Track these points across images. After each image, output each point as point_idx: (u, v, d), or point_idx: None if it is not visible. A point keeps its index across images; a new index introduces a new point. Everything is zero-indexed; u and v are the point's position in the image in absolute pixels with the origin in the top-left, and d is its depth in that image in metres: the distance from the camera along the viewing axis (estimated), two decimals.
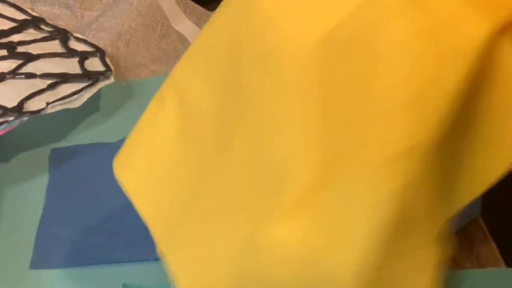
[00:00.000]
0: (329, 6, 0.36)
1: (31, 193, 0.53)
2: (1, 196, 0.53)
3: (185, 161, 0.41)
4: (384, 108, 0.34)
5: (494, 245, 0.49)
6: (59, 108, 0.56)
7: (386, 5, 0.34)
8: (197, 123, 0.41)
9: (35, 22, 0.68)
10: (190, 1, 0.74)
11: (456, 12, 0.34)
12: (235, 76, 0.38)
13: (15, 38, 0.65)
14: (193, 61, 0.42)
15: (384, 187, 0.34)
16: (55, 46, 0.64)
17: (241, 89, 0.38)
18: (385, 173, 0.34)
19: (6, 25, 0.67)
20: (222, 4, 0.41)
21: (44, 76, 0.59)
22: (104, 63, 0.62)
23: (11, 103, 0.55)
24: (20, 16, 0.68)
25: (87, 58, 0.63)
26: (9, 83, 0.58)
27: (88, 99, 0.58)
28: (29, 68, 0.60)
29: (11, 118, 0.54)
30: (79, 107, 0.57)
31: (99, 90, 0.60)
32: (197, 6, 0.75)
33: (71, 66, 0.61)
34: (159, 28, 0.70)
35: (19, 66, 0.60)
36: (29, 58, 0.61)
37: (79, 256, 0.47)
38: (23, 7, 0.70)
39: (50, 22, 0.69)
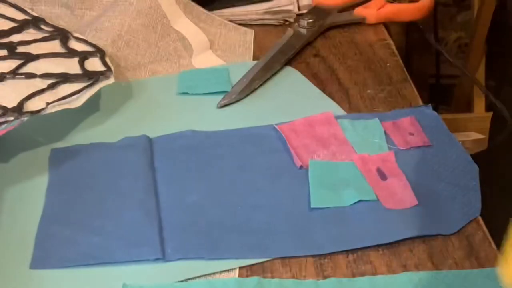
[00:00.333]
0: None
1: (31, 193, 0.53)
2: (1, 196, 0.53)
3: None
4: None
5: (494, 245, 0.49)
6: (59, 108, 0.56)
7: None
8: None
9: (35, 22, 0.68)
10: (190, 1, 0.75)
11: None
12: None
13: (15, 38, 0.65)
14: None
15: None
16: (55, 46, 0.64)
17: None
18: None
19: (6, 25, 0.67)
20: None
21: (44, 76, 0.59)
22: (104, 63, 0.62)
23: (11, 103, 0.55)
24: (20, 16, 0.68)
25: (87, 58, 0.63)
26: (9, 83, 0.58)
27: (88, 99, 0.58)
28: (29, 68, 0.60)
29: (11, 118, 0.54)
30: (79, 107, 0.57)
31: (99, 90, 0.60)
32: (197, 6, 0.75)
33: (71, 66, 0.61)
34: (159, 28, 0.70)
35: (19, 66, 0.60)
36: (29, 58, 0.61)
37: (79, 256, 0.47)
38: (23, 7, 0.70)
39: (50, 22, 0.69)
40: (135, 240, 0.48)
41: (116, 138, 0.58)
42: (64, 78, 0.59)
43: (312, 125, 0.59)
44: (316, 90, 0.66)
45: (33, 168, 0.56)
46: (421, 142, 0.58)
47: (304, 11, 0.78)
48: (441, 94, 1.49)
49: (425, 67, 1.44)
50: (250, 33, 0.76)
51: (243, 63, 0.70)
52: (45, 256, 0.48)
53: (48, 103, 0.55)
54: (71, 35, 0.66)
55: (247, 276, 0.46)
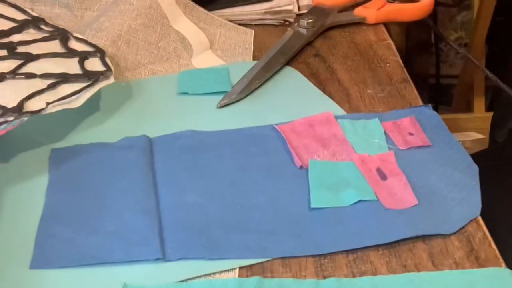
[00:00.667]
0: None
1: (31, 193, 0.53)
2: (1, 196, 0.53)
3: None
4: None
5: (494, 245, 0.49)
6: (59, 108, 0.56)
7: None
8: None
9: (35, 22, 0.68)
10: (190, 1, 0.75)
11: None
12: None
13: (15, 38, 0.65)
14: None
15: None
16: (55, 46, 0.64)
17: None
18: None
19: (6, 25, 0.67)
20: None
21: (44, 76, 0.59)
22: (104, 63, 0.62)
23: (11, 103, 0.55)
24: (20, 16, 0.68)
25: (87, 58, 0.63)
26: (9, 83, 0.58)
27: (88, 99, 0.58)
28: (29, 68, 0.60)
29: (11, 118, 0.54)
30: (79, 107, 0.57)
31: (99, 90, 0.60)
32: (197, 6, 0.75)
33: (71, 66, 0.61)
34: (159, 28, 0.70)
35: (19, 66, 0.60)
36: (29, 58, 0.61)
37: (79, 256, 0.47)
38: (23, 7, 0.70)
39: (50, 22, 0.69)
40: (135, 240, 0.48)
41: (116, 138, 0.58)
42: (64, 78, 0.59)
43: (312, 125, 0.59)
44: (316, 90, 0.66)
45: (33, 168, 0.56)
46: (421, 142, 0.58)
47: (304, 11, 0.78)
48: (441, 94, 1.50)
49: (425, 67, 1.44)
50: (250, 33, 0.76)
51: (243, 63, 0.70)
52: (45, 256, 0.48)
53: (48, 103, 0.55)
54: (71, 35, 0.66)
55: (247, 276, 0.46)
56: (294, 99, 0.65)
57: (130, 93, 0.65)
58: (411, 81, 0.68)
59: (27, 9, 0.70)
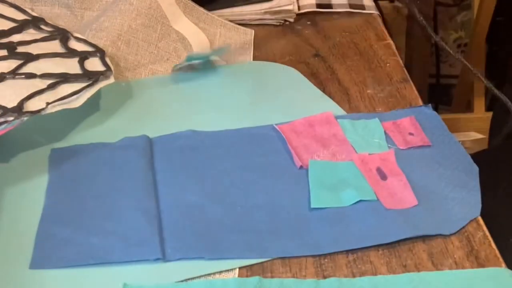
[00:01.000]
0: None
1: (31, 193, 0.53)
2: (1, 196, 0.53)
3: None
4: None
5: (494, 245, 0.49)
6: (59, 108, 0.56)
7: None
8: None
9: (35, 22, 0.68)
10: (190, 1, 0.75)
11: None
12: None
13: (15, 38, 0.65)
14: None
15: None
16: (55, 46, 0.64)
17: None
18: None
19: (6, 25, 0.67)
20: None
21: (44, 76, 0.59)
22: (104, 63, 0.62)
23: (11, 103, 0.55)
24: (20, 16, 0.68)
25: (87, 58, 0.63)
26: (9, 83, 0.58)
27: (88, 99, 0.58)
28: (29, 68, 0.60)
29: (11, 118, 0.54)
30: (79, 107, 0.57)
31: (99, 90, 0.60)
32: (197, 6, 0.75)
33: (71, 66, 0.61)
34: (159, 28, 0.70)
35: (19, 66, 0.60)
36: (29, 58, 0.61)
37: (79, 256, 0.47)
38: (23, 7, 0.70)
39: (50, 22, 0.69)
40: (135, 240, 0.48)
41: (116, 138, 0.58)
42: (64, 78, 0.59)
43: (312, 125, 0.59)
44: (316, 90, 0.66)
45: (33, 168, 0.56)
46: (421, 142, 0.58)
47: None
48: (441, 94, 1.50)
49: (425, 67, 1.44)
50: (250, 33, 0.76)
51: (243, 63, 0.70)
52: (45, 256, 0.48)
53: (48, 103, 0.55)
54: (71, 35, 0.66)
55: (247, 276, 0.46)
56: (294, 99, 0.65)
57: (130, 93, 0.65)
58: (411, 81, 0.68)
59: (27, 9, 0.70)
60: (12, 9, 0.69)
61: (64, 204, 0.52)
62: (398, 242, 0.49)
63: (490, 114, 1.23)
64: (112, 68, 0.62)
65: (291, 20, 0.79)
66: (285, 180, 0.54)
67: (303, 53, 0.73)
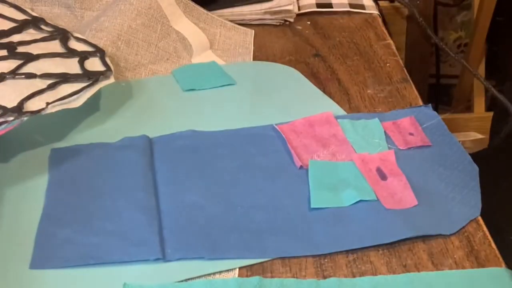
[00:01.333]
0: None
1: (31, 193, 0.53)
2: (1, 196, 0.53)
3: None
4: None
5: (494, 245, 0.49)
6: (59, 108, 0.56)
7: None
8: None
9: (35, 22, 0.68)
10: (190, 1, 0.75)
11: None
12: None
13: (15, 38, 0.65)
14: None
15: None
16: (55, 46, 0.64)
17: None
18: None
19: (6, 25, 0.67)
20: None
21: (44, 76, 0.59)
22: (104, 63, 0.62)
23: (11, 103, 0.55)
24: (20, 16, 0.68)
25: (87, 58, 0.63)
26: (9, 83, 0.58)
27: (88, 99, 0.58)
28: (29, 68, 0.60)
29: (11, 118, 0.54)
30: (79, 107, 0.57)
31: (99, 90, 0.60)
32: (197, 6, 0.75)
33: (71, 66, 0.61)
34: (159, 28, 0.70)
35: (19, 66, 0.60)
36: (29, 58, 0.61)
37: (79, 256, 0.47)
38: (23, 7, 0.70)
39: (50, 22, 0.69)
40: (135, 240, 0.48)
41: (116, 138, 0.58)
42: (64, 78, 0.59)
43: (312, 125, 0.59)
44: (316, 90, 0.66)
45: (33, 168, 0.56)
46: (421, 142, 0.58)
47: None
48: (441, 94, 1.49)
49: (425, 67, 1.44)
50: (250, 33, 0.76)
51: (243, 63, 0.70)
52: (45, 256, 0.48)
53: (48, 103, 0.55)
54: (71, 35, 0.66)
55: (247, 276, 0.46)
56: (294, 99, 0.65)
57: (130, 93, 0.65)
58: (411, 81, 0.68)
59: (27, 9, 0.70)
60: (12, 9, 0.69)
61: (64, 204, 0.52)
62: (398, 242, 0.49)
63: (490, 114, 1.23)
64: (112, 68, 0.62)
65: (291, 20, 0.79)
66: (285, 180, 0.54)
67: (303, 53, 0.73)
